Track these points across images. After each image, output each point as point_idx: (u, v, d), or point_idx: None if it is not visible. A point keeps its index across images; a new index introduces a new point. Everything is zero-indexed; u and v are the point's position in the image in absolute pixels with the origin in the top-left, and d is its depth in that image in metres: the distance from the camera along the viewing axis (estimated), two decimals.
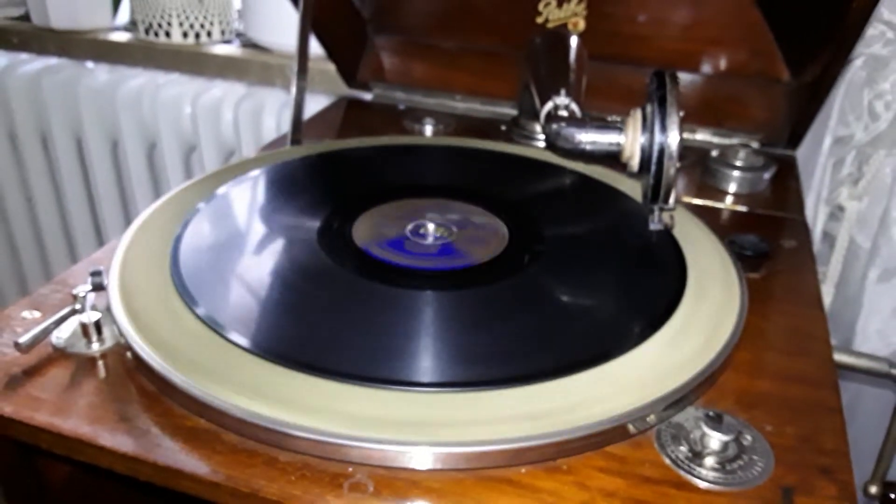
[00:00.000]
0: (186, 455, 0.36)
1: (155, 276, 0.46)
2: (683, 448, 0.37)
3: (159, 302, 0.43)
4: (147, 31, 1.08)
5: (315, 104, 0.90)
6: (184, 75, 1.10)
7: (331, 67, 0.88)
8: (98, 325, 0.43)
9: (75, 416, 0.38)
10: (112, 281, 0.45)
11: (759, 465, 0.36)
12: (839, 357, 0.47)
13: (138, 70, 1.13)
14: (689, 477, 0.35)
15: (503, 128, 0.80)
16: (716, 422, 0.37)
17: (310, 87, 0.97)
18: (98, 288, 0.45)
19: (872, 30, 0.73)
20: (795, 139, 0.74)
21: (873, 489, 0.52)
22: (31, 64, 1.18)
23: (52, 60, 1.18)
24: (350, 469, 0.35)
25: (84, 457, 0.37)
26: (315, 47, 0.81)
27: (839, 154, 0.79)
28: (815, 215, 0.82)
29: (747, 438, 0.38)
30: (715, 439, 0.37)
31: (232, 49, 1.07)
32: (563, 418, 0.36)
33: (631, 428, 0.37)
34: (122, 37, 1.12)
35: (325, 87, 0.97)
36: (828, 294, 0.83)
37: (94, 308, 0.44)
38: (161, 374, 0.38)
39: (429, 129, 0.78)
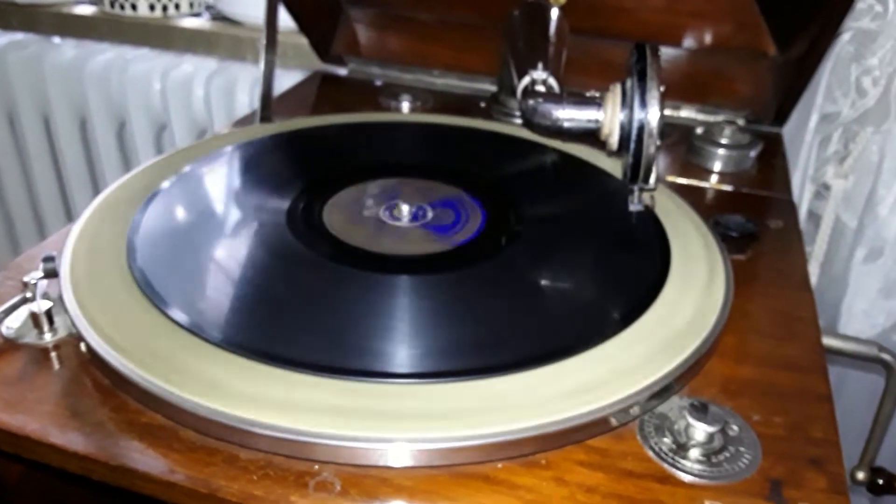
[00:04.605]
0: (141, 454, 0.33)
1: (110, 262, 0.43)
2: (667, 440, 0.35)
3: (114, 290, 0.41)
4: (112, 4, 1.04)
5: (288, 79, 0.87)
6: (153, 50, 1.07)
7: (304, 41, 0.84)
8: (49, 315, 0.40)
9: (24, 411, 0.36)
10: (64, 267, 0.42)
11: (746, 457, 0.35)
12: (827, 341, 0.45)
13: (105, 45, 1.09)
14: (673, 470, 0.34)
15: (483, 104, 0.77)
16: (701, 412, 0.35)
17: (282, 62, 0.94)
18: (51, 274, 0.42)
19: (861, 3, 0.71)
20: (782, 116, 0.72)
21: (861, 475, 0.51)
22: None
23: (18, 36, 1.14)
24: (316, 467, 0.33)
25: (34, 455, 0.35)
26: (287, 19, 0.78)
27: (826, 131, 0.77)
28: (801, 194, 0.80)
29: (734, 429, 0.36)
30: (700, 430, 0.35)
31: (201, 22, 1.03)
32: (541, 410, 0.34)
33: (613, 420, 0.35)
34: (87, 10, 1.08)
35: (298, 62, 0.94)
36: (813, 274, 0.82)
37: (45, 296, 0.41)
38: (114, 366, 0.35)
39: (406, 106, 0.76)
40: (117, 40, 1.07)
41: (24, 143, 1.18)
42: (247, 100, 1.00)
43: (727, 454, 0.35)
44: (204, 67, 1.04)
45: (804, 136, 0.79)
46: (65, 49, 1.11)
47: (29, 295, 0.41)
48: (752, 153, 0.66)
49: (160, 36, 1.04)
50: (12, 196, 1.26)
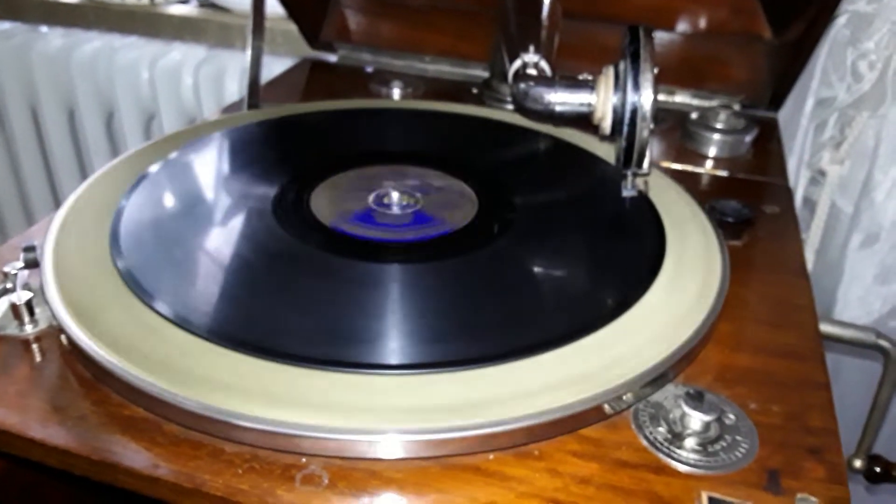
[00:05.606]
0: (124, 448, 0.33)
1: (93, 251, 0.42)
2: (662, 429, 0.35)
3: (96, 280, 0.40)
4: None
5: (278, 66, 0.85)
6: (141, 38, 1.05)
7: (293, 27, 0.83)
8: (30, 306, 0.39)
9: (3, 404, 0.35)
10: (46, 257, 0.41)
11: (742, 447, 0.34)
12: (824, 327, 0.45)
13: (93, 34, 1.07)
14: (668, 460, 0.33)
15: (475, 91, 0.76)
16: (696, 400, 0.35)
17: (271, 49, 0.93)
18: (31, 264, 0.41)
19: None
20: (777, 100, 0.72)
21: (858, 463, 0.50)
22: None
23: (4, 25, 1.13)
24: (303, 460, 0.32)
25: (14, 450, 0.34)
26: (276, 5, 0.77)
27: (821, 116, 0.77)
28: (797, 180, 0.80)
29: (730, 417, 0.36)
30: (696, 419, 0.34)
31: (189, 9, 1.02)
32: (533, 400, 0.33)
33: (607, 408, 0.34)
34: None
35: (287, 49, 0.93)
36: (808, 260, 0.81)
37: (26, 287, 0.40)
38: (96, 359, 0.34)
39: (397, 93, 0.75)
40: (105, 28, 1.05)
41: (11, 133, 1.17)
42: (236, 88, 0.99)
43: (723, 443, 0.34)
44: (192, 55, 1.02)
45: (800, 121, 0.78)
46: (52, 38, 1.09)
47: (9, 285, 0.40)
48: (748, 138, 0.65)
49: (148, 23, 1.02)
50: (0, 187, 1.24)
